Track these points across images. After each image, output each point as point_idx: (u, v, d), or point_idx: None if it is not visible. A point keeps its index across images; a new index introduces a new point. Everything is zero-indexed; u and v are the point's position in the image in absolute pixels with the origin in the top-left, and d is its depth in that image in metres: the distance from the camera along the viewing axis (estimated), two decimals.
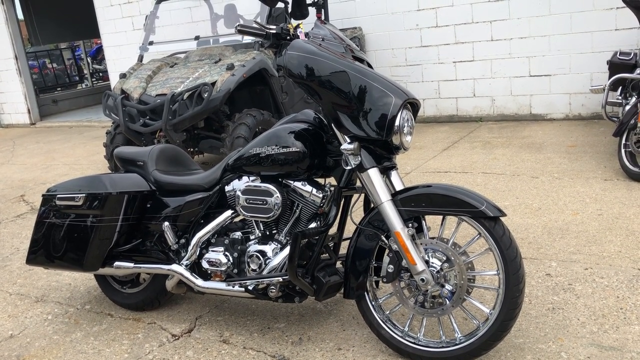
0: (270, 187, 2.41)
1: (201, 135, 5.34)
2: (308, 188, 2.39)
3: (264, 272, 2.45)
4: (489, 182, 4.36)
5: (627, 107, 4.23)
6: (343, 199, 2.44)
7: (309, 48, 2.25)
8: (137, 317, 2.92)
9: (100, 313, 3.01)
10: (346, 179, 2.33)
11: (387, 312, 2.37)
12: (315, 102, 2.29)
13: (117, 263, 2.81)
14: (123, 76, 5.74)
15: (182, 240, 2.70)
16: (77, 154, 7.42)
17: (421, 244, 2.22)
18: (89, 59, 14.57)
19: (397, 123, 2.14)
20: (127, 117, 5.17)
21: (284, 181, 2.45)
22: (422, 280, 2.16)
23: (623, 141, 4.13)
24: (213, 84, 4.90)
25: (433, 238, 2.23)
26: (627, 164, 4.06)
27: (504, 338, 2.16)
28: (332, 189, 2.40)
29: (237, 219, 2.63)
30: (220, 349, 2.55)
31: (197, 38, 5.98)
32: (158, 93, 5.11)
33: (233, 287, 2.52)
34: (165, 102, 4.86)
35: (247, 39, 5.46)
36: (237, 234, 2.59)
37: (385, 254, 2.31)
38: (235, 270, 2.56)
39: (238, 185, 2.54)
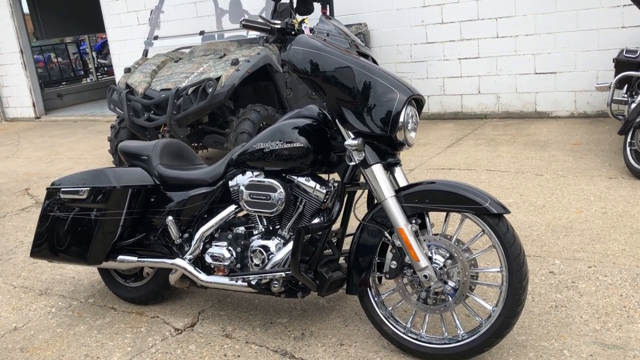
0: (274, 182, 2.41)
1: (205, 130, 5.34)
2: (312, 183, 2.39)
3: (267, 267, 2.45)
4: (493, 179, 4.35)
5: (633, 105, 4.21)
6: (346, 195, 2.45)
7: (313, 43, 2.24)
8: (140, 311, 2.93)
9: (104, 306, 3.02)
10: (350, 175, 2.33)
11: (390, 308, 2.37)
12: (319, 97, 2.29)
13: (120, 257, 2.82)
14: (128, 71, 5.75)
15: (186, 235, 2.71)
16: (82, 148, 7.44)
17: (424, 240, 2.22)
18: (93, 54, 14.58)
19: (401, 119, 2.14)
20: (132, 111, 5.18)
21: (287, 176, 2.45)
22: (425, 276, 2.16)
23: (628, 139, 4.11)
24: (217, 79, 4.90)
25: (436, 234, 2.23)
26: (632, 162, 4.04)
27: (507, 335, 2.16)
28: (336, 184, 2.40)
29: (240, 214, 2.64)
30: (223, 343, 2.55)
31: (202, 33, 5.98)
32: (163, 88, 5.12)
33: (236, 281, 2.52)
34: (169, 97, 4.87)
35: (252, 34, 5.46)
36: (241, 229, 2.59)
37: (389, 250, 2.31)
38: (239, 265, 2.56)
39: (242, 180, 2.54)
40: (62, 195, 2.80)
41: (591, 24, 5.73)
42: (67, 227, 2.79)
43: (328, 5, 6.51)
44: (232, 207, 2.59)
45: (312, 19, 4.98)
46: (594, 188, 3.92)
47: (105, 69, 14.44)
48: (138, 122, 5.11)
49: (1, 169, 6.69)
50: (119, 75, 9.19)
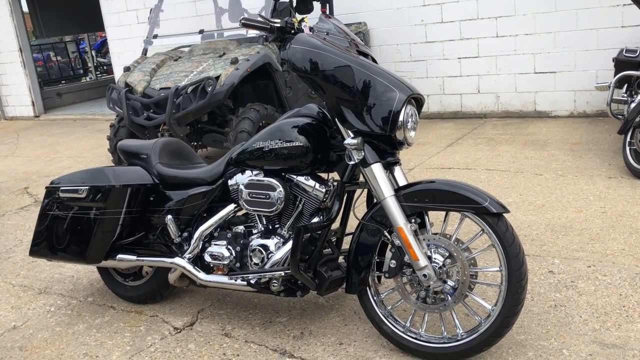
0: (273, 181, 2.41)
1: (205, 129, 5.34)
2: (311, 183, 2.39)
3: (267, 266, 2.45)
4: (492, 178, 4.35)
5: (633, 105, 4.21)
6: (346, 194, 2.44)
7: (313, 42, 2.24)
8: (139, 309, 2.93)
9: (103, 305, 3.02)
10: (349, 174, 2.33)
11: (389, 308, 2.37)
12: (319, 96, 2.29)
13: (119, 256, 2.81)
14: (127, 69, 5.75)
15: (185, 234, 2.71)
16: (81, 146, 7.43)
17: (424, 239, 2.22)
18: (93, 52, 14.57)
19: (401, 118, 2.14)
20: (131, 110, 5.17)
21: (287, 175, 2.45)
22: (425, 276, 2.16)
23: (628, 139, 4.11)
24: (217, 78, 4.90)
25: (436, 234, 2.23)
26: (632, 161, 4.04)
27: (506, 334, 2.16)
28: (335, 183, 2.40)
29: (240, 213, 2.64)
30: (222, 342, 2.55)
31: (201, 32, 5.98)
32: (162, 86, 5.11)
33: (235, 280, 2.52)
34: (169, 96, 4.86)
35: (252, 33, 5.46)
36: (240, 228, 2.59)
37: (388, 249, 2.31)
38: (238, 264, 2.56)
39: (241, 179, 2.54)
40: (61, 194, 2.79)
41: (591, 23, 5.73)
42: (66, 226, 2.78)
43: (328, 4, 6.50)
44: (231, 206, 2.59)
45: (312, 18, 4.98)
46: (594, 187, 3.92)
47: (105, 67, 14.43)
48: (137, 121, 5.11)
49: (0, 168, 6.68)
50: (118, 74, 9.18)
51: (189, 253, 2.65)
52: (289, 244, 2.41)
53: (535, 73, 6.15)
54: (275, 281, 2.42)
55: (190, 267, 2.63)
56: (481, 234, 2.18)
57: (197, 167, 2.81)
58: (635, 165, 4.01)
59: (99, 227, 2.73)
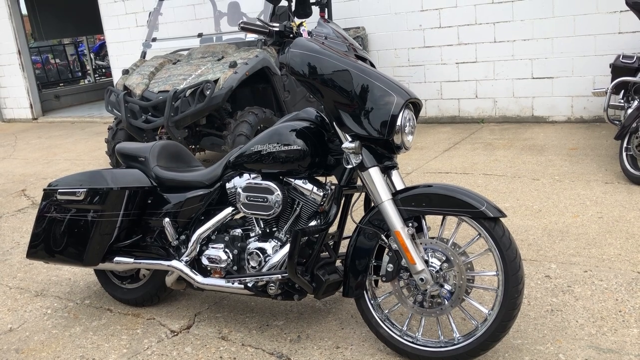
0: (271, 184, 2.41)
1: (203, 132, 5.34)
2: (309, 186, 2.40)
3: (264, 270, 2.45)
4: (489, 183, 4.36)
5: (629, 111, 4.23)
6: (343, 198, 2.45)
7: (311, 46, 2.25)
8: (136, 312, 2.93)
9: (100, 308, 3.02)
10: (347, 178, 2.33)
11: (386, 311, 2.37)
12: (317, 100, 2.30)
13: (117, 258, 2.81)
14: (126, 72, 5.75)
15: (182, 237, 2.71)
16: (79, 149, 7.43)
17: (421, 243, 2.22)
18: (91, 55, 14.58)
19: (398, 122, 2.14)
20: (129, 113, 5.18)
21: (284, 179, 2.45)
22: (422, 279, 2.17)
23: (624, 144, 4.13)
24: (215, 81, 4.90)
25: (433, 238, 2.23)
26: (628, 167, 4.06)
27: (502, 339, 2.16)
28: (333, 187, 2.40)
29: (237, 216, 2.64)
30: (219, 345, 2.55)
31: (200, 35, 5.98)
32: (160, 90, 5.12)
33: (232, 284, 2.52)
34: (167, 99, 4.87)
35: (250, 36, 5.47)
36: (238, 231, 2.59)
37: (385, 253, 2.31)
38: (235, 267, 2.56)
39: (239, 182, 2.54)
40: (59, 197, 2.79)
41: (588, 29, 5.75)
42: (63, 228, 2.78)
43: (326, 9, 6.52)
44: (229, 209, 2.59)
45: (311, 22, 5.00)
46: (590, 193, 3.94)
47: (103, 70, 14.44)
48: (135, 124, 5.11)
49: None
50: (116, 76, 9.19)
51: (186, 256, 2.65)
52: (287, 248, 2.41)
53: (533, 78, 6.17)
54: (272, 284, 2.43)
55: (187, 270, 2.63)
56: (478, 238, 2.19)
57: (195, 170, 2.82)
58: (632, 170, 4.03)
59: (96, 229, 2.73)
